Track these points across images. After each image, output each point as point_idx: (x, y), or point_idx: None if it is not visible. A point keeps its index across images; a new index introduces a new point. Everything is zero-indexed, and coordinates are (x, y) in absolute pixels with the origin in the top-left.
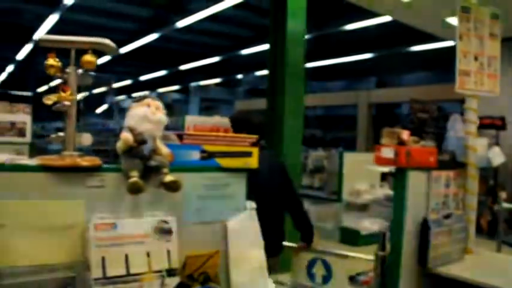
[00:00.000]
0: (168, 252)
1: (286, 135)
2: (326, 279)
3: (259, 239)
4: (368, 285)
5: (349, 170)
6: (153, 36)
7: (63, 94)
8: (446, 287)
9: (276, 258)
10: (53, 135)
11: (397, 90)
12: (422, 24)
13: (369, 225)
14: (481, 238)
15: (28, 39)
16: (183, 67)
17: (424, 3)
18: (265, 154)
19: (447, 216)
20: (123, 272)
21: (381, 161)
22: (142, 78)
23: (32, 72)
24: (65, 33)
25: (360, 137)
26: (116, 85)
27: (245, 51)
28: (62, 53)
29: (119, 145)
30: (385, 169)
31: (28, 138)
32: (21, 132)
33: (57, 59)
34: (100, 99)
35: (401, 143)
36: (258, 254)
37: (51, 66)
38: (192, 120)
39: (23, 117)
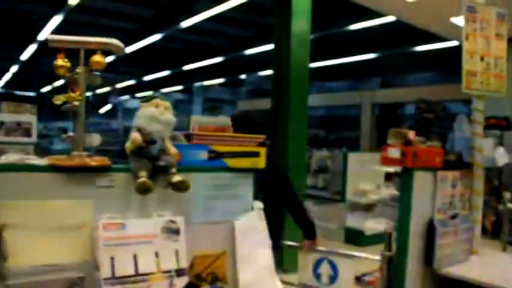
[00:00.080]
0: (176, 252)
1: (291, 135)
2: (332, 279)
3: (266, 238)
4: (374, 285)
5: (353, 170)
6: (157, 37)
7: (72, 94)
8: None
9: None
10: (64, 135)
11: (400, 91)
12: (426, 24)
13: (373, 225)
14: (485, 238)
15: (32, 39)
16: (186, 67)
17: (429, 3)
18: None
19: (453, 217)
20: (131, 272)
21: (387, 161)
22: (146, 78)
23: (35, 73)
24: (69, 34)
25: (364, 137)
26: (119, 85)
27: (248, 52)
28: (68, 53)
29: (128, 145)
30: (391, 169)
31: (34, 138)
32: (27, 133)
33: (66, 60)
34: (103, 99)
35: (407, 143)
36: (265, 254)
37: (61, 66)
38: (197, 120)
39: (28, 117)
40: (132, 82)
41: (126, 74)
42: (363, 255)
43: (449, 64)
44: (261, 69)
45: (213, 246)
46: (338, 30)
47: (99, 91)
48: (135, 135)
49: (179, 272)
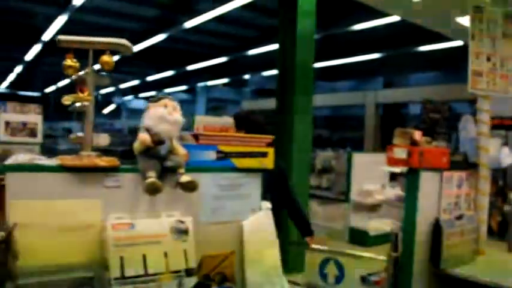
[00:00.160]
0: (185, 252)
1: (296, 136)
2: (338, 279)
3: (274, 238)
4: (380, 285)
5: (357, 170)
6: (161, 37)
7: (81, 94)
8: None
9: None
10: (72, 136)
11: (404, 91)
12: (430, 23)
13: (378, 225)
14: (491, 239)
15: (37, 39)
16: (190, 67)
17: (433, 3)
18: None
19: (459, 217)
20: (141, 271)
21: (393, 162)
22: (150, 78)
23: (40, 73)
24: (73, 34)
25: (367, 137)
26: (123, 85)
27: (252, 52)
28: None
29: (136, 146)
30: (396, 169)
31: (39, 138)
32: (33, 133)
33: (74, 60)
34: (107, 99)
35: (413, 143)
36: (273, 254)
37: (69, 66)
38: (202, 121)
39: (34, 117)
40: (135, 82)
41: (130, 74)
42: (370, 255)
43: (453, 64)
44: (264, 69)
45: (221, 246)
46: (341, 30)
47: (103, 91)
48: (144, 136)
49: (188, 272)
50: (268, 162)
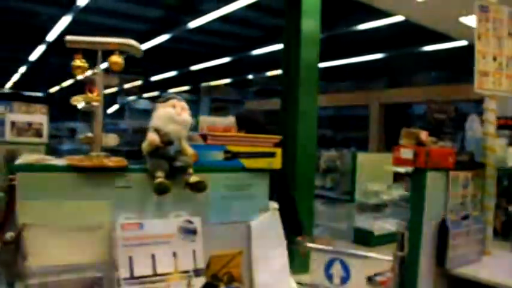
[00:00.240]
0: (194, 252)
1: (300, 136)
2: (344, 279)
3: (282, 239)
4: (385, 285)
5: (361, 170)
6: (165, 37)
7: (90, 95)
8: None
9: None
10: (82, 136)
11: (408, 91)
12: (434, 23)
13: (382, 225)
14: (495, 239)
15: (41, 40)
16: (193, 67)
17: (437, 2)
18: None
19: (465, 217)
20: (150, 272)
21: (399, 162)
22: (153, 78)
23: (44, 73)
24: (77, 35)
25: (372, 137)
26: (126, 85)
27: (255, 52)
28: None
29: (145, 146)
30: (401, 170)
31: (45, 138)
32: (38, 133)
33: (83, 60)
34: (111, 99)
35: (420, 143)
36: (281, 254)
37: (78, 67)
38: (206, 121)
39: (40, 117)
40: (139, 82)
41: (134, 74)
42: (375, 255)
43: (457, 64)
44: (268, 70)
45: (228, 246)
46: (345, 30)
47: (106, 91)
48: (153, 136)
49: (197, 272)
50: (276, 163)
